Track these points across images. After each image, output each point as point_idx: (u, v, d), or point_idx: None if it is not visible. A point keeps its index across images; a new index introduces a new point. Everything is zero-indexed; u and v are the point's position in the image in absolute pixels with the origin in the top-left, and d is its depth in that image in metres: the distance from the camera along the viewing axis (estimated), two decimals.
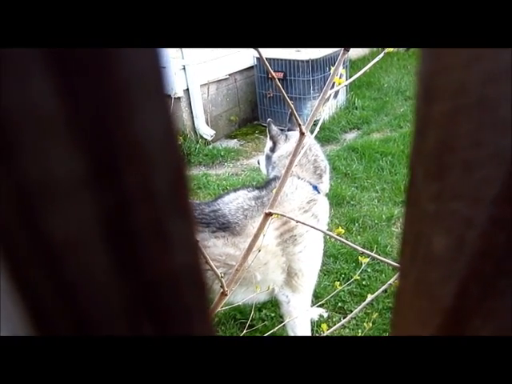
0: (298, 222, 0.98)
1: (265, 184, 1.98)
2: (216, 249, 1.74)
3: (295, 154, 0.97)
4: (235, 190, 1.96)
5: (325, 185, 2.01)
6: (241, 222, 1.79)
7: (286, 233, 1.81)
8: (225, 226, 1.78)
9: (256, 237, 1.00)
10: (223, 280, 0.96)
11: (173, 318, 0.15)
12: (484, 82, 0.13)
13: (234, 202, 1.85)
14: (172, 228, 0.14)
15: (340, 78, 1.07)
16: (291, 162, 0.99)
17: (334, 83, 1.00)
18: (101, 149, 0.12)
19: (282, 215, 1.02)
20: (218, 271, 0.98)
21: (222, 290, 0.98)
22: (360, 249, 0.77)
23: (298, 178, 1.91)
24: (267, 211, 0.96)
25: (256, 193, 1.88)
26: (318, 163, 1.99)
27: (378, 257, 0.77)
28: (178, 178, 0.14)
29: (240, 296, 1.81)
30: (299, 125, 0.93)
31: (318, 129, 1.30)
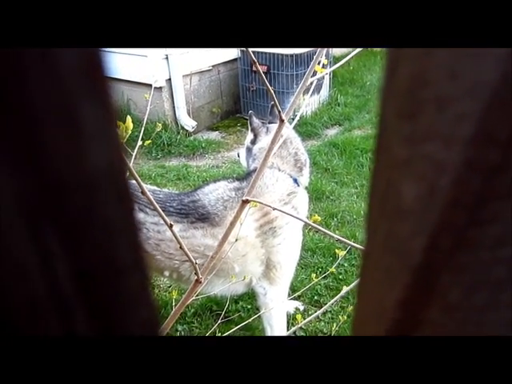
0: (274, 209, 0.97)
1: (245, 176, 1.97)
2: (195, 240, 1.73)
3: (274, 141, 0.96)
4: (215, 181, 1.95)
5: (305, 178, 2.02)
6: (220, 213, 1.78)
7: (266, 225, 1.81)
8: (204, 217, 1.77)
9: (232, 224, 0.98)
10: (197, 267, 0.94)
11: (88, 234, 0.13)
12: None
13: (213, 193, 1.84)
14: (84, 115, 0.11)
15: (322, 67, 1.06)
16: (270, 150, 0.97)
17: (315, 72, 1.00)
18: None
19: (259, 203, 1.01)
20: (196, 261, 0.96)
21: (196, 278, 0.96)
22: (336, 236, 0.76)
23: (279, 170, 1.90)
24: (244, 198, 0.95)
25: (236, 184, 1.87)
26: (299, 156, 1.99)
27: (354, 244, 0.77)
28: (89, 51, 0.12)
29: (218, 287, 1.81)
30: (279, 112, 0.92)
31: (296, 119, 1.30)
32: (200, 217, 1.78)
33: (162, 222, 1.66)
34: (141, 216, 1.66)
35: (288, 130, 1.97)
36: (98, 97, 0.12)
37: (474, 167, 0.13)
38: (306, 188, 2.07)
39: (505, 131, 0.13)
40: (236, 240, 1.34)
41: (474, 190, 0.14)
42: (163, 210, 1.79)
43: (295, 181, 1.92)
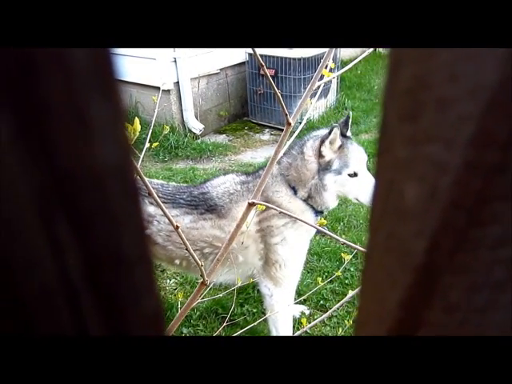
0: (281, 212, 0.97)
1: (254, 171, 2.00)
2: (204, 230, 1.77)
3: (280, 144, 0.97)
4: (224, 174, 1.99)
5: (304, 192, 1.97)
6: (226, 206, 1.82)
7: (264, 221, 1.82)
8: (212, 209, 1.81)
9: (238, 226, 0.99)
10: (203, 269, 0.95)
11: (97, 226, 0.14)
12: None
13: (221, 186, 1.88)
14: (94, 113, 0.12)
15: (330, 72, 1.06)
16: (276, 153, 0.98)
17: (322, 76, 1.00)
18: None
19: (265, 205, 1.01)
20: (202, 263, 0.97)
21: (201, 280, 0.97)
22: (341, 239, 0.76)
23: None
24: (250, 201, 0.95)
25: (243, 178, 1.91)
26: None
27: (360, 248, 0.77)
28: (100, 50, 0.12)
29: (223, 277, 1.86)
30: (286, 115, 0.92)
31: (303, 123, 1.30)
32: (208, 208, 1.83)
33: (172, 214, 1.70)
34: (152, 209, 1.69)
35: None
36: (107, 96, 0.12)
37: (474, 168, 0.13)
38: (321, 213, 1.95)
39: (504, 132, 0.13)
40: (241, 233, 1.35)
41: (474, 191, 0.14)
42: (173, 202, 1.83)
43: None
